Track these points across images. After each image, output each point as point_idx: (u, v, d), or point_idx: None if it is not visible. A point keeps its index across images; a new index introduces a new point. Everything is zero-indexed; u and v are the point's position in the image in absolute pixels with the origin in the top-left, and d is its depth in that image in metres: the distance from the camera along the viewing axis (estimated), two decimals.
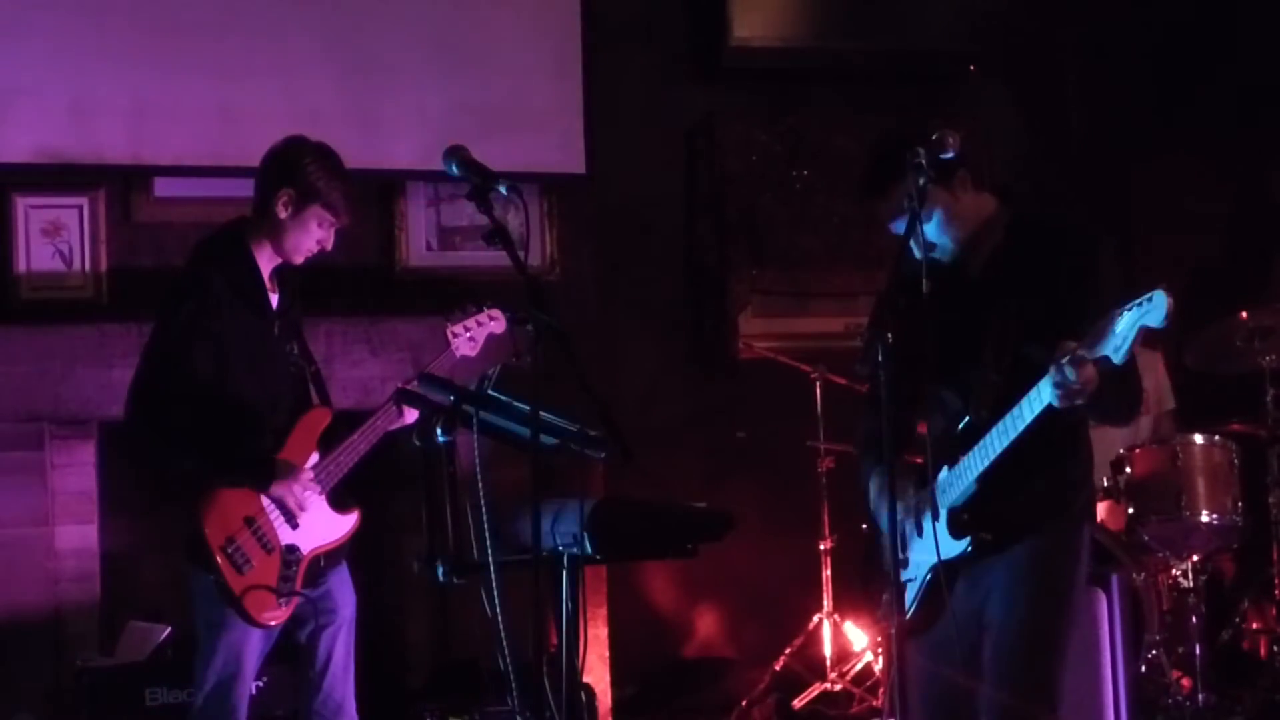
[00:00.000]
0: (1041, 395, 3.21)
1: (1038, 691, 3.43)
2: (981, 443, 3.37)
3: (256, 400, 4.08)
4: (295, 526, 4.10)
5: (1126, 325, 3.04)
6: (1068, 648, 3.49)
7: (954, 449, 3.45)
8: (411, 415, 4.15)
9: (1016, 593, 3.44)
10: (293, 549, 4.08)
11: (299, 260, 4.18)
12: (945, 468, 3.47)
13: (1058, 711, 3.43)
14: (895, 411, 3.34)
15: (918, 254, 3.39)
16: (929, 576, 3.50)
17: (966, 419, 3.45)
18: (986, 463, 3.36)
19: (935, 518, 3.48)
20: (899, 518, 3.47)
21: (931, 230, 3.46)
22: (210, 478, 4.01)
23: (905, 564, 3.55)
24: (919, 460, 3.51)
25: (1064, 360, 3.12)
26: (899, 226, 3.46)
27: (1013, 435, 3.30)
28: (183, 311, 4.03)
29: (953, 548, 3.44)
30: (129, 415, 4.04)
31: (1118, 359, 3.07)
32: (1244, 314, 5.52)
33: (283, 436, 4.13)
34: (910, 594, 3.54)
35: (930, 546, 3.47)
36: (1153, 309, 3.01)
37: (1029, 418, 3.26)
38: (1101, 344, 3.08)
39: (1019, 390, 3.29)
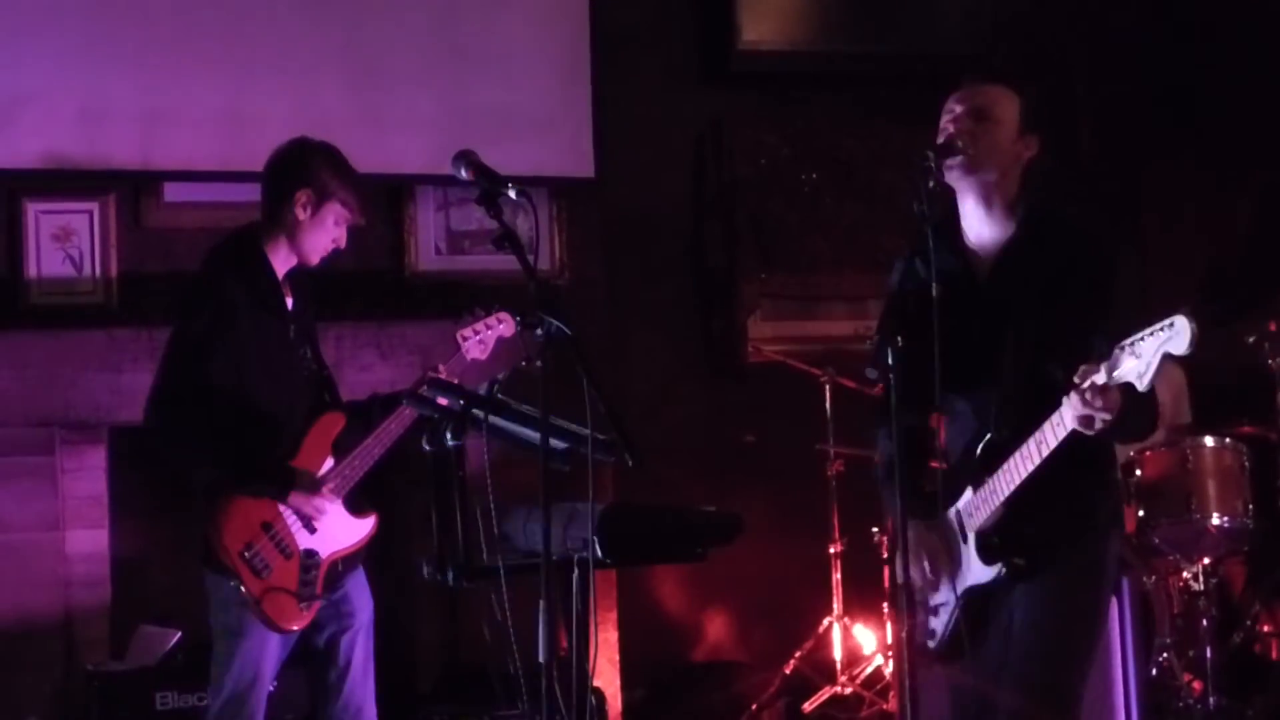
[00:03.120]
0: (1065, 421, 3.17)
1: (1057, 702, 3.38)
2: (1006, 466, 3.31)
3: (273, 405, 4.09)
4: (313, 531, 4.11)
5: (1150, 352, 2.98)
6: (1091, 661, 3.46)
7: (977, 470, 3.40)
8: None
9: (1043, 606, 3.38)
10: (311, 554, 4.09)
11: (316, 260, 4.19)
12: (970, 489, 3.42)
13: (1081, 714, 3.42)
14: (907, 418, 3.30)
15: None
16: (962, 603, 3.43)
17: (988, 437, 3.40)
18: (1013, 487, 3.30)
19: (964, 540, 3.42)
20: (926, 538, 3.45)
21: (982, 133, 3.42)
22: (229, 486, 4.01)
23: (935, 587, 3.50)
24: (936, 465, 3.49)
25: (1085, 389, 3.08)
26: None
27: (1038, 460, 3.25)
28: (200, 317, 4.04)
29: (984, 574, 3.39)
30: (149, 422, 4.04)
31: (1142, 386, 3.02)
32: (1255, 317, 5.51)
33: (297, 441, 4.14)
34: (943, 619, 3.49)
35: (960, 571, 3.42)
36: (1175, 335, 2.95)
37: (1053, 443, 3.21)
38: (1123, 370, 3.03)
39: (1039, 405, 3.24)
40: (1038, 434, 3.24)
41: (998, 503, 3.34)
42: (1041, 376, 3.31)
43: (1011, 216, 3.48)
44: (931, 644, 3.52)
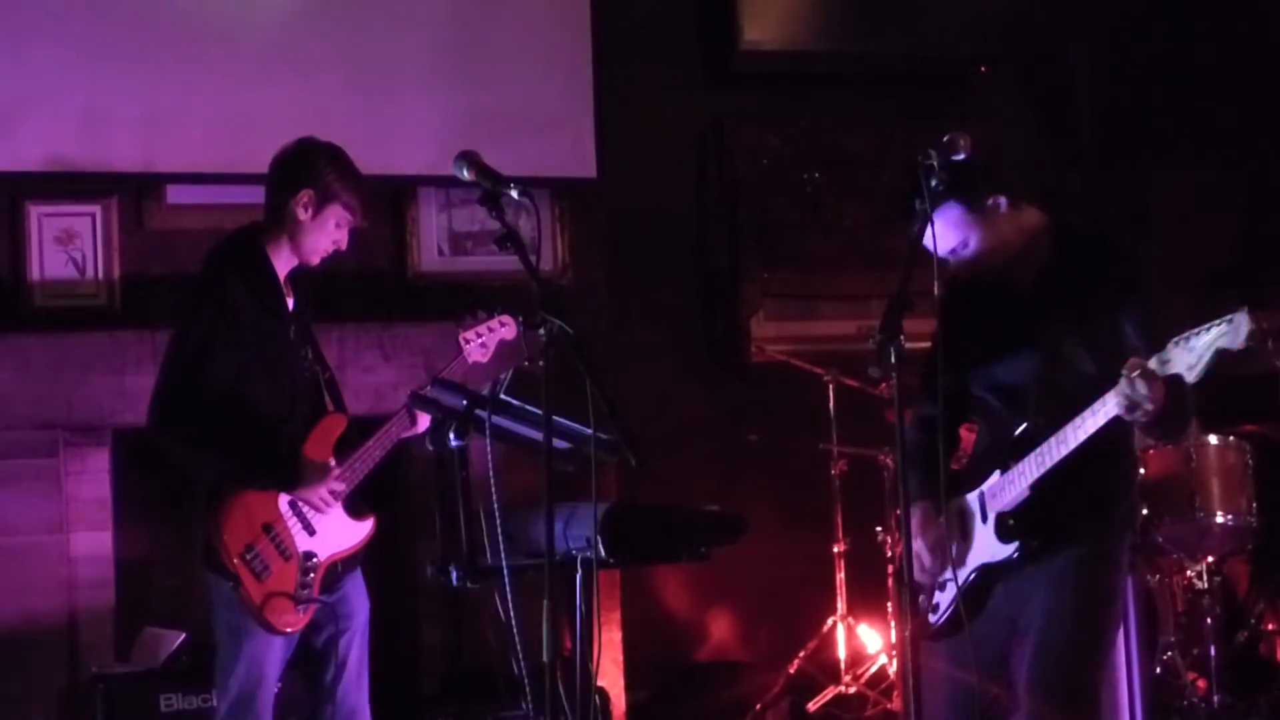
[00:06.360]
0: (1108, 407, 3.23)
1: (1079, 703, 3.44)
2: (1038, 450, 3.39)
3: (274, 406, 4.09)
4: (312, 533, 4.10)
5: (1203, 345, 3.04)
6: (1108, 656, 3.53)
7: (1006, 454, 3.48)
8: (425, 423, 4.16)
9: (1060, 603, 3.45)
10: (310, 555, 4.09)
11: (316, 261, 4.19)
12: (997, 472, 3.49)
13: (1104, 714, 3.46)
14: (929, 408, 3.45)
15: (938, 252, 3.45)
16: (972, 578, 3.51)
17: (1024, 425, 3.47)
18: (1043, 470, 3.38)
19: (983, 520, 3.50)
20: (932, 525, 3.52)
21: (969, 251, 3.51)
22: (234, 482, 4.01)
23: (936, 571, 3.57)
24: (960, 463, 3.56)
25: (1134, 375, 3.14)
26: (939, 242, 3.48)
27: (1073, 444, 3.32)
28: (201, 318, 4.03)
29: (1000, 551, 3.46)
30: (151, 423, 4.04)
31: (1191, 378, 3.08)
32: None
33: (299, 443, 4.13)
34: (949, 594, 3.54)
35: (974, 548, 3.50)
36: (1232, 330, 3.01)
37: (1092, 428, 3.28)
38: (1174, 362, 3.09)
39: (1073, 400, 3.32)
40: (1077, 419, 3.31)
41: (1025, 485, 3.43)
42: (1075, 376, 3.41)
43: (1045, 237, 3.58)
44: (933, 618, 3.59)
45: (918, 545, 3.54)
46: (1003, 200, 3.53)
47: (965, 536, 3.55)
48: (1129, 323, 3.41)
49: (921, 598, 3.60)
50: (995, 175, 3.56)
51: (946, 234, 3.48)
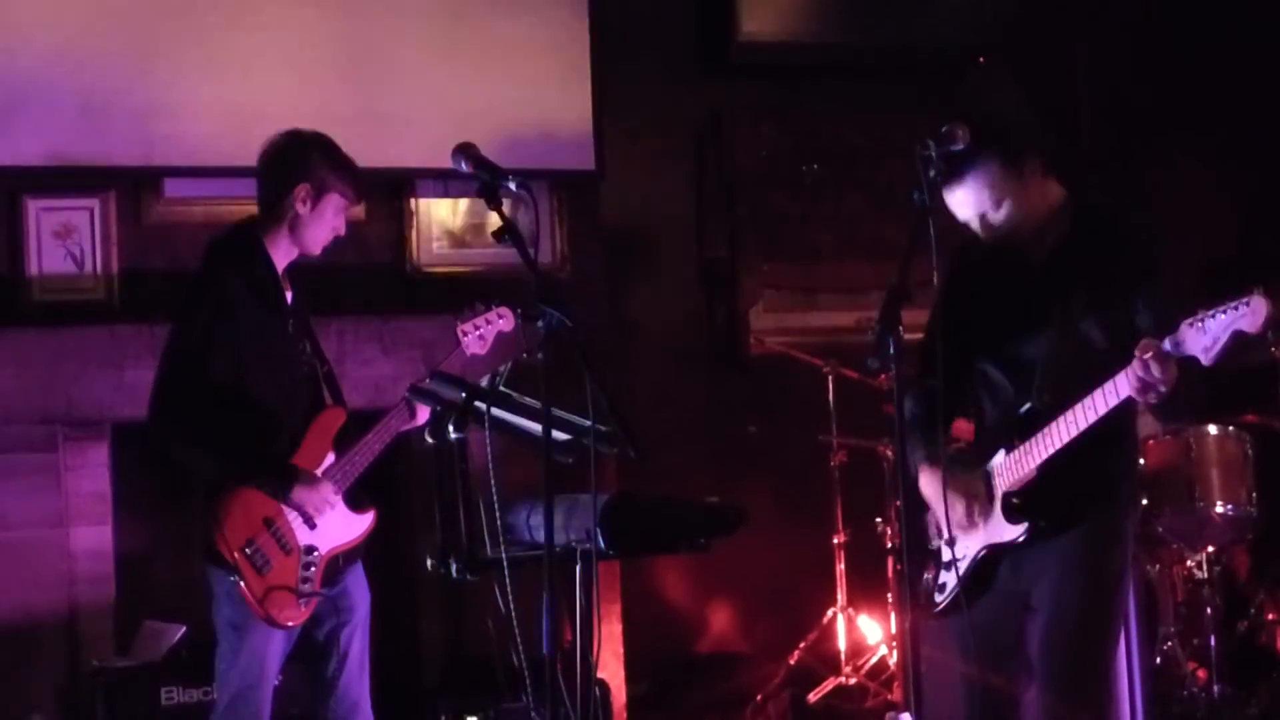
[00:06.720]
0: (1119, 388, 3.23)
1: (1089, 683, 3.46)
2: (1045, 430, 3.38)
3: (273, 400, 4.09)
4: (313, 527, 4.10)
5: (1219, 327, 3.03)
6: (1118, 635, 3.53)
7: (1012, 433, 3.47)
8: (424, 416, 4.16)
9: (1068, 583, 3.47)
10: (311, 549, 4.09)
11: (318, 251, 4.19)
12: (1002, 451, 3.49)
13: (1112, 695, 3.47)
14: (922, 395, 3.48)
15: (980, 232, 3.47)
16: (981, 554, 3.53)
17: (1029, 404, 3.47)
18: (1051, 450, 3.38)
19: (990, 500, 3.50)
20: (970, 483, 3.51)
21: (999, 215, 3.48)
22: (232, 481, 4.01)
23: (952, 543, 3.57)
24: (957, 438, 3.57)
25: (1148, 356, 3.13)
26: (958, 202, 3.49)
27: (1083, 425, 3.31)
28: (201, 313, 4.03)
29: (1010, 532, 3.47)
30: (151, 419, 4.04)
31: (1207, 360, 3.07)
32: None
33: (298, 437, 4.13)
34: (954, 575, 3.55)
35: (980, 528, 3.50)
36: (1250, 312, 3.00)
37: (1103, 410, 3.28)
38: (1188, 343, 3.08)
39: (1079, 378, 3.31)
40: (1087, 400, 3.30)
41: (1031, 466, 3.42)
42: (1084, 353, 3.39)
43: (1064, 213, 3.55)
44: (939, 597, 3.60)
45: (951, 502, 3.47)
46: (1040, 165, 3.51)
47: (973, 515, 3.54)
48: (1143, 303, 3.39)
49: (927, 575, 3.61)
50: (1038, 132, 3.56)
51: (980, 194, 3.46)
